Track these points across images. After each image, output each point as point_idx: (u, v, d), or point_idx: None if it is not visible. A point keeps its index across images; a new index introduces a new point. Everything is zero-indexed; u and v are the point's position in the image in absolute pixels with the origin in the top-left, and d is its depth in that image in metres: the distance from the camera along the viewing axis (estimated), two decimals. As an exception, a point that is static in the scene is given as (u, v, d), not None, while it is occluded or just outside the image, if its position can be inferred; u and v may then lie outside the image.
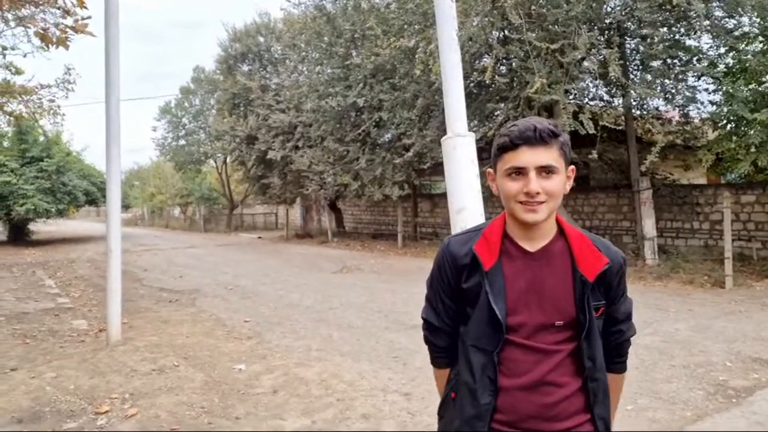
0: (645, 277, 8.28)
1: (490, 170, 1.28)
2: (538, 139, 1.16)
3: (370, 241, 16.41)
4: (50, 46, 4.83)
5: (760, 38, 8.26)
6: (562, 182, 1.20)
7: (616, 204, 11.73)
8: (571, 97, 8.61)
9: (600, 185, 12.66)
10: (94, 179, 19.59)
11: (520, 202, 1.18)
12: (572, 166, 1.26)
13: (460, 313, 1.31)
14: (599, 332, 1.26)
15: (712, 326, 5.32)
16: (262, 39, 19.56)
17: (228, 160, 23.70)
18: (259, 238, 20.66)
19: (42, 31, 4.72)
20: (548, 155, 1.17)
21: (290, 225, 20.83)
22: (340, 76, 13.38)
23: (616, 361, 1.36)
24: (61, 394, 3.84)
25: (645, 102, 9.38)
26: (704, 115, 9.62)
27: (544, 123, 1.18)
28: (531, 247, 1.24)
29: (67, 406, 3.63)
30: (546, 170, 1.17)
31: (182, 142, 26.23)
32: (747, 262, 8.89)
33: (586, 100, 9.96)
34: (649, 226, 9.31)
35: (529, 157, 1.16)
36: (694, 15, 7.45)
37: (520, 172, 1.18)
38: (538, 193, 1.16)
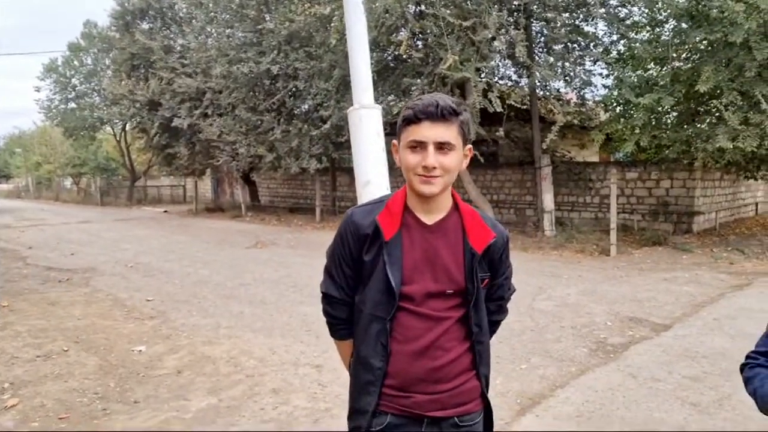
0: (543, 247, 8.99)
1: (395, 142, 1.30)
2: (439, 115, 1.19)
3: (287, 215, 16.07)
4: None
5: (648, 27, 9.09)
6: (458, 159, 1.25)
7: (521, 179, 12.52)
8: (482, 75, 8.92)
9: (507, 162, 13.41)
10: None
11: (418, 175, 1.22)
12: (469, 146, 1.31)
13: (359, 282, 1.34)
14: (484, 301, 1.35)
15: (597, 290, 5.93)
16: (164, -6, 17.88)
17: (127, 127, 21.72)
18: (165, 212, 19.36)
19: None
20: (447, 132, 1.20)
21: (200, 198, 19.75)
22: (253, 41, 12.67)
23: None
24: None
25: (548, 83, 9.99)
26: (597, 98, 10.49)
27: (447, 100, 1.21)
28: (428, 220, 1.30)
29: (-70, 402, 3.20)
30: (444, 146, 1.21)
31: (72, 105, 23.54)
32: (629, 233, 9.99)
33: (496, 78, 10.38)
34: (548, 200, 10.07)
35: (429, 131, 1.20)
36: (592, 2, 7.99)
37: (419, 145, 1.21)
38: (434, 168, 1.20)
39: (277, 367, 3.73)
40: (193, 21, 15.56)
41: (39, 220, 16.16)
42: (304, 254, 9.05)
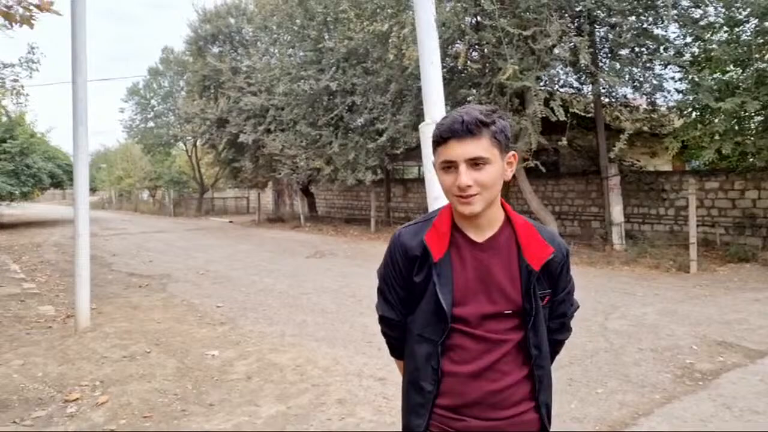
0: (613, 261, 8.55)
1: (433, 161, 1.27)
2: (465, 131, 1.15)
3: (342, 225, 16.38)
4: (14, 24, 4.57)
5: (725, 28, 8.49)
6: (497, 171, 1.18)
7: (585, 190, 12.02)
8: (542, 83, 8.71)
9: (570, 171, 12.93)
10: (60, 161, 18.95)
11: (456, 196, 1.19)
12: (512, 152, 1.25)
13: (412, 302, 1.32)
14: (545, 322, 1.29)
15: (678, 310, 5.52)
16: (232, 20, 19.03)
17: (198, 143, 23.13)
18: (230, 222, 20.35)
19: (5, 9, 4.45)
20: (477, 147, 1.15)
21: (262, 209, 20.57)
22: (313, 60, 13.15)
23: None
24: (28, 382, 3.74)
25: (614, 90, 9.58)
26: (671, 104, 9.89)
27: (473, 113, 1.16)
28: (479, 237, 1.25)
29: (35, 394, 3.54)
30: (476, 162, 1.15)
31: (151, 124, 25.47)
32: (711, 247, 9.27)
33: (557, 87, 10.09)
34: (616, 211, 9.59)
35: (458, 150, 1.16)
36: (662, 4, 7.60)
37: (451, 165, 1.18)
38: (469, 186, 1.15)
39: (341, 378, 3.79)
40: (258, 43, 16.44)
41: (121, 229, 17.50)
42: (361, 264, 9.18)
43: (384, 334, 1.44)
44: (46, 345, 4.62)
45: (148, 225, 19.65)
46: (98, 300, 6.26)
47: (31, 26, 4.62)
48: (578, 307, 1.42)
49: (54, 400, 3.43)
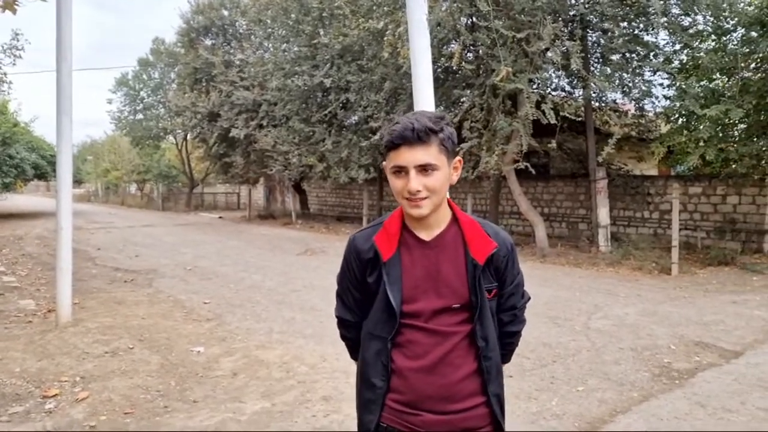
0: (598, 263, 8.65)
1: (385, 164, 1.30)
2: (415, 138, 1.19)
3: (334, 223, 16.36)
4: (-4, 10, 4.49)
5: (713, 36, 8.64)
6: (444, 177, 1.23)
7: (573, 192, 12.14)
8: (534, 86, 8.77)
9: (559, 174, 13.05)
10: (44, 152, 18.66)
11: (406, 199, 1.23)
12: (458, 158, 1.31)
13: (367, 305, 1.36)
14: (492, 314, 1.33)
15: (659, 311, 5.63)
16: (226, 12, 18.87)
17: (189, 136, 22.93)
18: (220, 218, 20.21)
19: (-15, -6, 4.37)
20: (426, 154, 1.20)
21: (253, 205, 20.46)
22: (307, 55, 13.09)
23: (501, 352, 1.39)
24: (6, 377, 3.68)
25: (604, 94, 9.69)
26: (658, 109, 10.04)
27: (423, 120, 1.20)
28: (426, 236, 1.30)
29: (13, 389, 3.49)
30: (425, 168, 1.20)
31: (140, 116, 25.18)
32: (692, 251, 9.43)
33: (549, 90, 10.18)
34: (603, 214, 9.70)
35: (408, 156, 1.20)
36: (653, 11, 7.70)
37: (402, 170, 1.22)
38: (418, 191, 1.20)
39: (328, 375, 3.80)
40: (252, 37, 16.32)
41: (107, 223, 17.29)
42: (352, 263, 9.17)
43: (342, 337, 1.49)
44: (26, 340, 4.55)
45: (135, 219, 19.45)
46: (81, 294, 6.19)
47: (14, 12, 4.54)
48: (529, 298, 1.46)
49: (32, 396, 3.39)
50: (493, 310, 1.33)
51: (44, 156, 18.45)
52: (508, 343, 1.44)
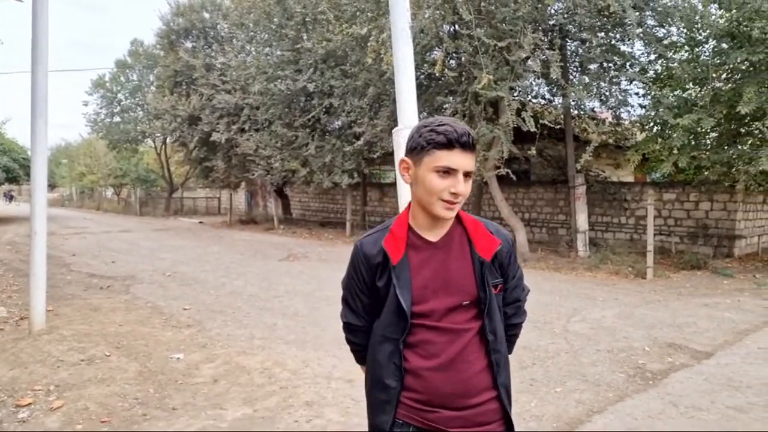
0: (577, 268, 8.81)
1: (407, 159, 1.31)
2: (470, 145, 1.25)
3: (317, 228, 16.29)
4: (-34, 7, 4.38)
5: (686, 47, 8.93)
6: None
7: (553, 198, 12.35)
8: (515, 94, 8.93)
9: (539, 180, 13.25)
10: (16, 155, 18.14)
11: (443, 200, 1.25)
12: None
13: (376, 308, 1.38)
14: (499, 308, 1.38)
15: (634, 314, 5.76)
16: (207, 15, 18.69)
17: (168, 140, 22.57)
18: (201, 223, 19.94)
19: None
20: (472, 161, 1.27)
21: (234, 210, 20.24)
22: (290, 59, 13.07)
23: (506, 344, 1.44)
24: (-24, 387, 3.57)
25: (582, 103, 9.91)
26: (634, 118, 10.32)
27: (468, 129, 1.27)
28: (434, 237, 1.33)
29: (-16, 399, 3.38)
30: (468, 174, 1.27)
31: (117, 119, 24.63)
32: (666, 255, 9.68)
33: (529, 97, 10.36)
34: (582, 220, 9.89)
35: (461, 160, 1.24)
36: (629, 22, 7.93)
37: (449, 171, 1.24)
38: (461, 195, 1.26)
39: (310, 380, 3.78)
40: (234, 40, 16.19)
41: (81, 228, 16.89)
42: (335, 268, 9.14)
43: (348, 341, 1.50)
44: (-2, 347, 4.42)
45: (111, 224, 19.04)
46: (55, 301, 6.04)
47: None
48: (529, 291, 1.52)
49: (5, 405, 3.29)
50: (499, 304, 1.37)
51: (16, 159, 17.92)
52: (513, 335, 1.48)
